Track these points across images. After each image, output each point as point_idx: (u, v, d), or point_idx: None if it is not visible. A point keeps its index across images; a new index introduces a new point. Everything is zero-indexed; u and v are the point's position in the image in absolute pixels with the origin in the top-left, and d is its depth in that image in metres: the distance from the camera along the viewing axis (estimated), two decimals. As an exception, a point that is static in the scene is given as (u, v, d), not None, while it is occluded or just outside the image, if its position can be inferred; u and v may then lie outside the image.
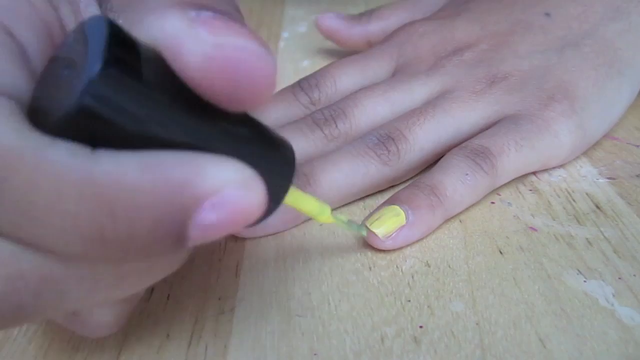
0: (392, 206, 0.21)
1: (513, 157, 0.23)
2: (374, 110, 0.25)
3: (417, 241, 0.21)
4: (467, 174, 0.22)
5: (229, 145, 0.13)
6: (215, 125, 0.13)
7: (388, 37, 0.29)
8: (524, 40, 0.26)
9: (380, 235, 0.20)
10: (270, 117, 0.26)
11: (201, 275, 0.20)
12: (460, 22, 0.28)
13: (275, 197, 0.14)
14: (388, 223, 0.20)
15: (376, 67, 0.28)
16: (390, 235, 0.20)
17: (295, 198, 0.16)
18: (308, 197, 0.17)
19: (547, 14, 0.26)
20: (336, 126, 0.24)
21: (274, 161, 0.14)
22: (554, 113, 0.24)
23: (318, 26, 0.35)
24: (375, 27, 0.33)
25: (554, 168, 0.25)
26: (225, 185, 0.12)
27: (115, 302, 0.15)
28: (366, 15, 0.34)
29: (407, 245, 0.21)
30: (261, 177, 0.12)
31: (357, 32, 0.34)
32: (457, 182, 0.21)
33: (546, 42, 0.26)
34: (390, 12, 0.33)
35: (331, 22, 0.34)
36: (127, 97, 0.11)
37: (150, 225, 0.12)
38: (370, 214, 0.21)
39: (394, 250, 0.21)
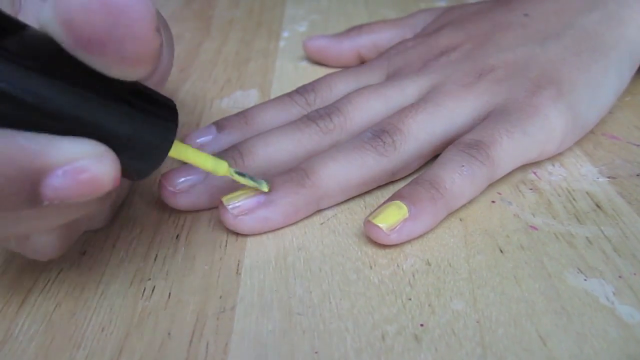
0: (394, 201, 0.21)
1: (506, 145, 0.23)
2: (367, 106, 0.25)
3: (418, 240, 0.21)
4: (463, 166, 0.22)
5: (98, 115, 0.15)
6: (92, 95, 0.14)
7: (379, 55, 0.31)
8: (506, 36, 0.27)
9: (384, 229, 0.20)
10: (266, 116, 0.27)
11: (202, 274, 0.20)
12: (445, 32, 0.29)
13: (152, 156, 0.16)
14: (391, 216, 0.21)
15: (369, 75, 0.29)
16: (395, 229, 0.20)
17: (189, 155, 0.19)
18: (203, 154, 0.19)
19: (526, 14, 0.28)
20: (331, 120, 0.25)
21: (150, 125, 0.16)
22: (541, 98, 0.24)
23: (307, 48, 0.36)
24: (366, 40, 0.34)
25: (554, 167, 0.25)
26: (77, 157, 0.14)
27: (55, 230, 0.18)
28: (356, 30, 0.35)
29: (408, 244, 0.21)
30: (122, 148, 0.15)
31: (347, 47, 0.34)
32: (454, 174, 0.22)
33: (527, 36, 0.27)
34: (380, 27, 0.35)
35: (320, 41, 0.35)
36: None
37: (2, 182, 0.14)
38: (373, 211, 0.21)
39: (394, 248, 0.21)
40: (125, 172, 0.16)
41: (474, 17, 0.29)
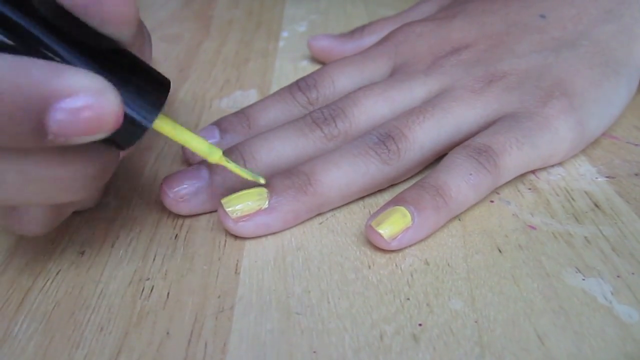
0: (398, 207, 0.21)
1: (515, 155, 0.23)
2: (373, 109, 0.25)
3: (417, 239, 0.21)
4: (470, 174, 0.22)
5: (97, 64, 0.16)
6: (90, 49, 0.16)
7: (385, 38, 0.29)
8: (521, 40, 0.26)
9: (386, 237, 0.20)
10: (268, 116, 0.26)
11: (201, 274, 0.20)
12: (457, 23, 0.28)
13: (142, 116, 0.17)
14: (394, 225, 0.20)
15: (374, 67, 0.28)
16: (396, 237, 0.20)
17: (185, 137, 0.19)
18: (198, 137, 0.19)
19: (542, 16, 0.27)
20: (336, 125, 0.24)
21: (144, 87, 0.17)
22: (553, 110, 0.24)
23: (311, 47, 0.36)
24: (369, 41, 0.34)
25: (553, 167, 0.25)
26: (81, 89, 0.15)
27: (44, 207, 0.18)
28: (358, 31, 0.35)
29: (407, 244, 0.21)
30: (120, 92, 0.15)
31: (350, 48, 0.34)
32: (461, 182, 0.21)
33: (542, 43, 0.26)
34: (382, 26, 0.34)
35: (324, 41, 0.35)
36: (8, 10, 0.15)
37: (11, 109, 0.14)
38: (375, 214, 0.21)
39: (393, 248, 0.21)
40: (110, 138, 0.16)
41: (487, 9, 0.28)
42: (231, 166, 0.20)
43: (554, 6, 0.27)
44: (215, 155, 0.20)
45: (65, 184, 0.17)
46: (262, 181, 0.21)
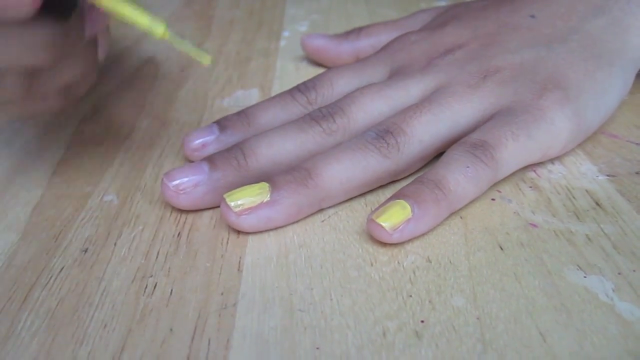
0: (398, 200, 0.21)
1: (511, 147, 0.23)
2: (371, 107, 0.25)
3: (419, 237, 0.21)
4: (468, 167, 0.22)
5: None
6: None
7: (382, 48, 0.30)
8: (513, 38, 0.27)
9: (387, 229, 0.20)
10: (268, 115, 0.27)
11: (204, 271, 0.20)
12: (450, 29, 0.29)
13: None
14: (395, 216, 0.21)
15: (371, 71, 0.29)
16: (397, 228, 0.21)
17: (124, 9, 0.19)
18: (141, 11, 0.19)
19: (532, 16, 0.28)
20: (334, 121, 0.25)
21: None
22: (548, 102, 0.24)
23: (305, 46, 0.36)
24: (365, 43, 0.34)
25: (554, 165, 0.25)
26: None
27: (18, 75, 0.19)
28: (355, 32, 0.35)
29: (409, 241, 0.21)
30: None
31: (346, 49, 0.34)
32: (459, 176, 0.22)
33: (534, 39, 0.27)
34: (379, 29, 0.34)
35: (318, 41, 0.35)
36: None
37: None
38: (376, 209, 0.21)
39: (395, 246, 0.21)
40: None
41: (479, 15, 0.29)
42: (175, 41, 0.20)
43: (542, 7, 0.28)
44: (159, 30, 0.20)
45: (22, 46, 0.18)
46: (208, 59, 0.21)
